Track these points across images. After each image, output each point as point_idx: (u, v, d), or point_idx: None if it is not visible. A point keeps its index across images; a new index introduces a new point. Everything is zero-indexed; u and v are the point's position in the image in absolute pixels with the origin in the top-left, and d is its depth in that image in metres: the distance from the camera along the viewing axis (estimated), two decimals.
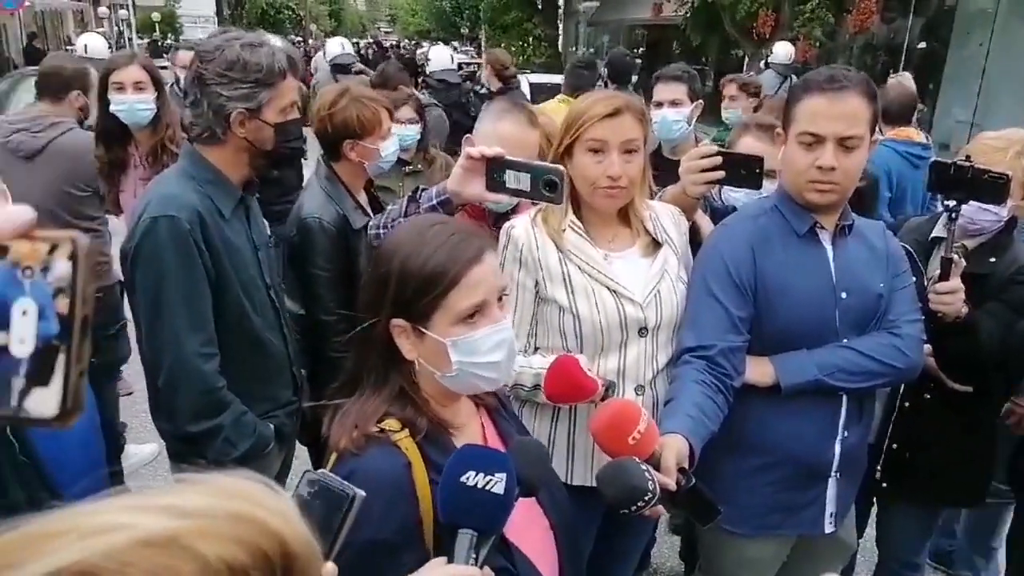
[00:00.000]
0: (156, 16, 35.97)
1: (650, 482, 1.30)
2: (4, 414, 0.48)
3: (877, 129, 1.78)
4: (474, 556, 0.99)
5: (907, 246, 2.03)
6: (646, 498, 1.29)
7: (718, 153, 1.82)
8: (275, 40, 1.82)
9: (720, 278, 1.76)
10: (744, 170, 1.81)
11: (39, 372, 0.48)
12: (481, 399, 1.31)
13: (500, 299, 1.19)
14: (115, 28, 31.43)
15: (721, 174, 1.82)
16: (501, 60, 5.92)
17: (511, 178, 1.51)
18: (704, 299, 1.77)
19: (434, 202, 1.63)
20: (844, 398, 1.79)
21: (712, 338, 1.71)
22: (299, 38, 38.88)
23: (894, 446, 2.22)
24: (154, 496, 0.39)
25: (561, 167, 1.51)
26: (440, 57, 5.98)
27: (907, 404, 2.19)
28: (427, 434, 1.14)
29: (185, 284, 1.76)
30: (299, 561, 0.40)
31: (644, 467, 1.32)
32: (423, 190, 1.69)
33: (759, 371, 1.75)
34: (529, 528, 1.18)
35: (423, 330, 1.14)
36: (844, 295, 1.76)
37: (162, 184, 1.88)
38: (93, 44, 5.70)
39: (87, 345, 0.49)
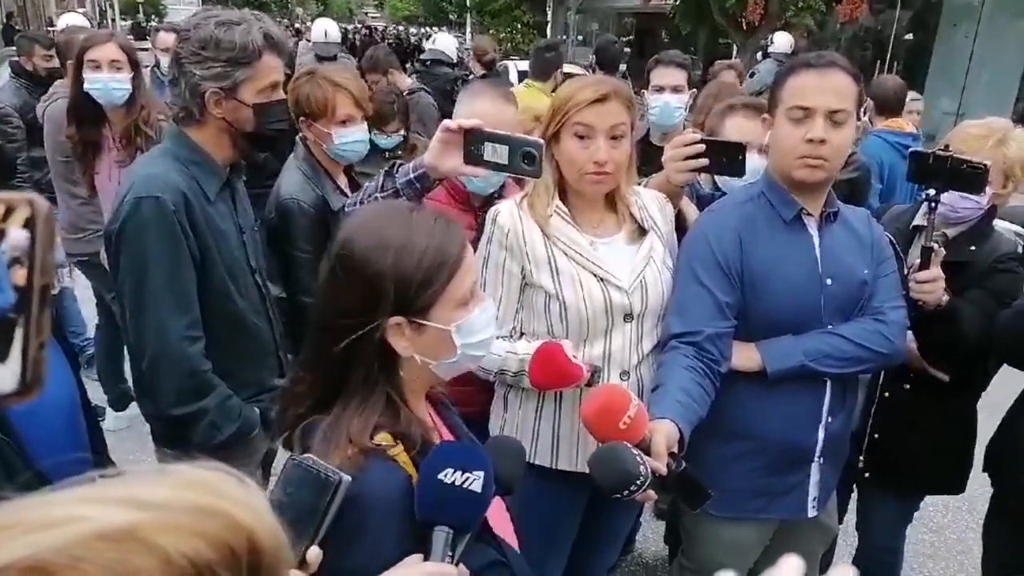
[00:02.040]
0: None
1: (641, 467, 1.32)
2: None
3: (867, 119, 1.80)
4: (450, 554, 0.99)
5: (888, 234, 2.05)
6: (638, 482, 1.31)
7: (701, 140, 1.82)
8: (262, 19, 1.75)
9: (707, 264, 1.76)
10: (726, 157, 1.82)
11: None
12: (432, 391, 1.28)
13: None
14: (97, 8, 30.95)
15: (704, 161, 1.82)
16: (482, 47, 6.01)
17: (489, 150, 1.49)
18: (691, 285, 1.77)
19: (411, 176, 1.61)
20: (828, 384, 1.81)
21: (699, 324, 1.72)
22: (285, 21, 38.46)
23: (875, 435, 2.24)
24: (113, 487, 0.37)
25: (540, 139, 1.51)
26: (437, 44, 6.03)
27: (887, 394, 2.21)
28: (421, 449, 1.09)
29: (169, 266, 1.72)
30: (267, 556, 0.39)
31: (635, 452, 1.33)
32: (400, 165, 1.67)
33: (745, 356, 1.77)
34: (504, 522, 1.19)
35: (423, 322, 1.10)
36: (829, 281, 1.77)
37: (147, 164, 1.85)
38: (74, 24, 5.61)
39: (47, 316, 0.47)
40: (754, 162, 1.93)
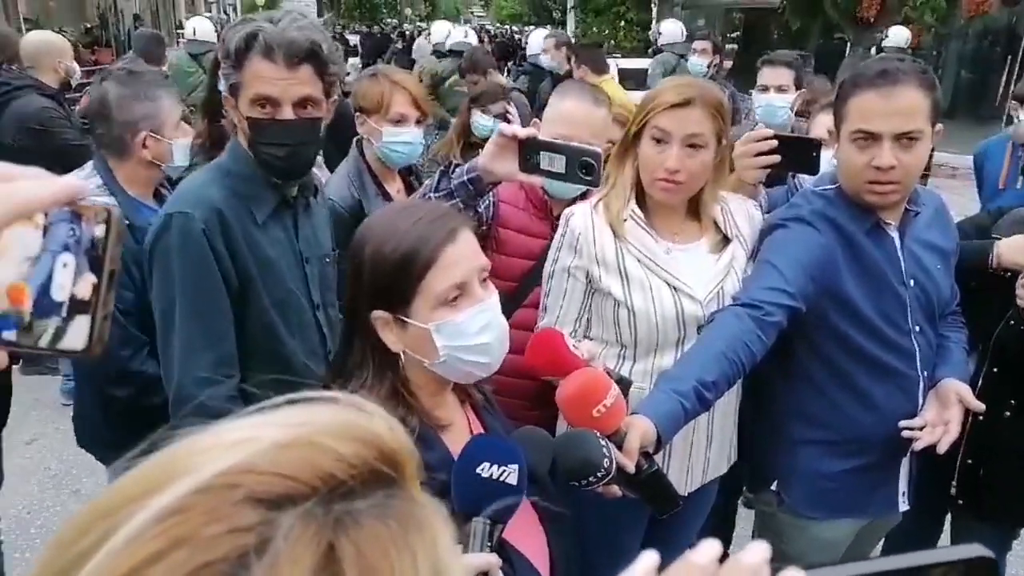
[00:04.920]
0: (260, 0, 37.33)
1: (606, 459, 1.26)
2: (43, 348, 0.57)
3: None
4: (488, 544, 1.00)
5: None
6: (599, 474, 1.25)
7: (774, 136, 1.75)
8: (280, 21, 1.53)
9: (788, 262, 1.68)
10: (800, 154, 1.74)
11: (71, 314, 0.58)
12: (468, 394, 1.28)
13: (483, 280, 1.15)
14: (222, 13, 32.81)
15: (776, 158, 1.75)
16: (569, 41, 6.20)
17: (545, 159, 1.44)
18: (761, 265, 1.71)
19: (465, 179, 1.57)
20: (920, 379, 1.76)
21: (761, 295, 1.62)
22: (394, 22, 39.57)
23: (968, 461, 2.08)
24: (271, 415, 0.44)
25: (598, 149, 1.45)
26: (533, 42, 6.27)
27: (981, 418, 2.05)
28: (419, 434, 1.10)
29: (196, 293, 1.56)
30: (401, 455, 0.45)
31: (603, 442, 1.28)
32: (456, 165, 1.63)
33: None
34: (520, 521, 1.17)
35: (404, 319, 1.10)
36: (912, 283, 1.72)
37: (193, 176, 1.74)
38: (201, 28, 6.00)
39: (112, 294, 0.59)
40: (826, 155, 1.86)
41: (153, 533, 0.36)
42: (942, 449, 1.67)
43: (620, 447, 1.33)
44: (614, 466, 1.28)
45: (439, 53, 6.21)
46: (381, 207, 2.27)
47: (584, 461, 1.26)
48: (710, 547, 0.50)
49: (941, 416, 1.71)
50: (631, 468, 1.33)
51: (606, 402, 1.34)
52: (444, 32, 6.63)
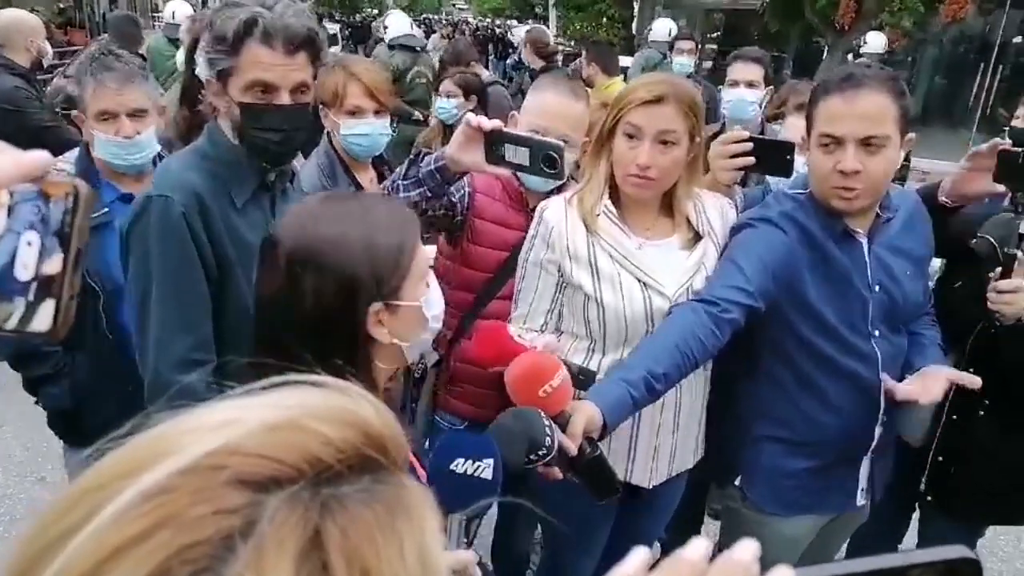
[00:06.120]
0: None
1: (548, 439, 1.27)
2: (8, 331, 0.55)
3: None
4: (464, 540, 1.01)
5: (991, 238, 1.95)
6: (540, 452, 1.26)
7: (749, 139, 1.77)
8: (274, 8, 1.52)
9: (750, 259, 1.69)
10: (774, 156, 1.76)
11: (40, 295, 0.56)
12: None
13: None
14: None
15: (751, 160, 1.77)
16: (540, 38, 6.00)
17: (510, 152, 1.46)
18: (724, 263, 1.73)
19: (432, 167, 1.59)
20: (881, 383, 1.76)
21: (720, 292, 1.64)
22: (375, 11, 39.29)
23: (939, 459, 2.11)
24: (253, 398, 0.43)
25: (561, 143, 1.47)
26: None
27: (954, 417, 2.09)
28: None
29: (174, 277, 1.55)
30: (389, 442, 0.45)
31: (547, 422, 1.29)
32: (426, 153, 1.64)
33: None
34: None
35: (398, 303, 1.09)
36: (877, 288, 1.73)
37: (171, 159, 1.71)
38: (180, 11, 5.89)
39: (79, 274, 0.57)
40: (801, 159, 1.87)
41: (139, 512, 0.36)
42: (924, 400, 1.65)
43: (565, 430, 1.35)
44: (556, 447, 1.29)
45: (390, 46, 5.92)
46: None
47: (527, 438, 1.26)
48: (700, 544, 0.51)
49: (924, 383, 1.70)
50: (573, 451, 1.35)
51: (553, 383, 1.35)
52: (396, 25, 6.12)
